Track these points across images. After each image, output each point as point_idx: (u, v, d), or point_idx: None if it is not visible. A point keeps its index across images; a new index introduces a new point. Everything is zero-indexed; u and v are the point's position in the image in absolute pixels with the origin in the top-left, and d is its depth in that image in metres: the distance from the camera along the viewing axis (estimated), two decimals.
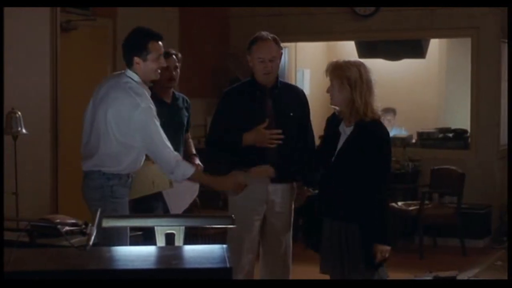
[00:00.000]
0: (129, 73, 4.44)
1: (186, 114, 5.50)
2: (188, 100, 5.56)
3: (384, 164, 4.31)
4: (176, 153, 4.44)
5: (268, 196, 4.87)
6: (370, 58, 9.57)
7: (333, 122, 4.42)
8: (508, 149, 7.25)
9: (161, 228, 3.37)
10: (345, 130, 4.31)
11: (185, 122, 5.48)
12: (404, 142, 8.77)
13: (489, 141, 8.46)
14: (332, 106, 4.37)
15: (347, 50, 10.08)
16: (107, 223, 3.45)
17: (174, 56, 5.38)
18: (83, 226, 2.94)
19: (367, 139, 4.23)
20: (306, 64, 10.51)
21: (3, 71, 5.45)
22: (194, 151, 5.59)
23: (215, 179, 4.61)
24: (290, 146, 4.82)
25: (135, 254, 3.00)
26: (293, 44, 9.96)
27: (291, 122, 4.89)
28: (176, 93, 5.49)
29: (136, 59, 4.40)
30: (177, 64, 5.39)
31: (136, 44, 4.43)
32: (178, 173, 4.40)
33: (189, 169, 4.44)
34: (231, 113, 4.91)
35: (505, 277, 5.21)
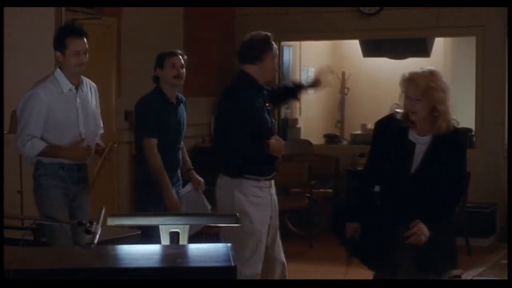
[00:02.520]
0: (57, 71, 4.69)
1: (185, 114, 5.50)
2: (185, 100, 5.53)
3: (465, 171, 4.20)
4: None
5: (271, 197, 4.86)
6: (375, 57, 9.54)
7: (388, 128, 4.11)
8: (508, 149, 7.23)
9: (166, 226, 3.37)
10: (419, 140, 4.05)
11: (185, 122, 5.48)
12: None
13: (494, 140, 8.44)
14: (413, 118, 4.04)
15: (352, 49, 10.06)
16: (112, 221, 3.45)
17: (179, 56, 5.37)
18: (88, 224, 2.94)
19: (450, 148, 4.05)
20: (311, 62, 10.49)
21: (3, 71, 5.46)
22: (191, 165, 5.57)
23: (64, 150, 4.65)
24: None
25: (140, 253, 3.00)
26: (297, 42, 9.93)
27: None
28: (179, 94, 5.47)
29: (57, 53, 4.68)
30: (183, 63, 5.38)
31: (56, 40, 4.69)
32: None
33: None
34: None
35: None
